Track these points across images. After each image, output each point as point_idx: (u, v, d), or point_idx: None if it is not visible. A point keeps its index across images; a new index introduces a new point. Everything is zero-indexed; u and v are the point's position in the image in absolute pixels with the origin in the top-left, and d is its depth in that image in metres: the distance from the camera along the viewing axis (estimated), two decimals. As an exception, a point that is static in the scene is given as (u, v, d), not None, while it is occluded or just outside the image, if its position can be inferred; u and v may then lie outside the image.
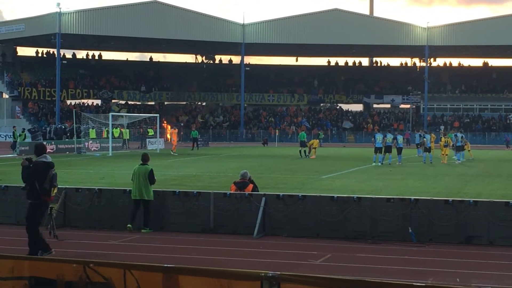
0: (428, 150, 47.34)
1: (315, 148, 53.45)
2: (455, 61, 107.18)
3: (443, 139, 49.29)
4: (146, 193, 18.60)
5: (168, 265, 6.99)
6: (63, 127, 72.96)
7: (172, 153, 56.31)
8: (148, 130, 69.37)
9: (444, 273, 14.16)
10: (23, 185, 15.56)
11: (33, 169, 14.65)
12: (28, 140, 66.30)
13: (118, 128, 65.72)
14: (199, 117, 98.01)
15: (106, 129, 61.62)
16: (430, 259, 15.38)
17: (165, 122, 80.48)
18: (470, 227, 17.08)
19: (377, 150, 45.36)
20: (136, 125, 69.38)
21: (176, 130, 63.08)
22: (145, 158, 19.39)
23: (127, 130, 65.66)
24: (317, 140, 55.11)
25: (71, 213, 19.29)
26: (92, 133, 64.17)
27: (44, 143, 15.83)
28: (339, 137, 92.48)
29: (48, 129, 70.95)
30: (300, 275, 6.55)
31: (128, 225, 18.26)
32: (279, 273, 6.62)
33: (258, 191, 19.49)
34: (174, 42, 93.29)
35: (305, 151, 53.28)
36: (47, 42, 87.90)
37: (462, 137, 50.99)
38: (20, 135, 56.08)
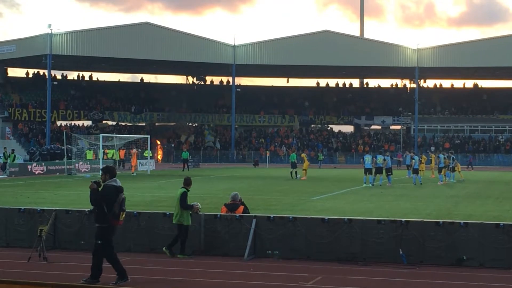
0: (416, 171, 47.44)
1: (305, 169, 53.42)
2: (445, 83, 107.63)
3: (445, 160, 49.36)
4: (179, 217, 18.08)
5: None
6: (53, 147, 72.88)
7: (132, 174, 56.64)
8: (146, 151, 69.47)
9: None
10: (90, 208, 15.23)
11: (103, 192, 14.40)
12: (19, 161, 66.10)
13: (112, 150, 65.66)
14: (182, 137, 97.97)
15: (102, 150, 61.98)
16: (421, 281, 15.35)
17: (158, 142, 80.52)
18: (461, 249, 17.07)
19: (367, 171, 45.42)
20: (127, 146, 69.27)
21: (136, 152, 63.16)
22: (184, 181, 18.89)
23: (113, 151, 65.61)
24: (308, 162, 54.98)
25: (61, 235, 19.17)
26: (89, 155, 64.30)
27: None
28: (330, 158, 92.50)
29: (39, 150, 70.88)
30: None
31: (164, 248, 17.98)
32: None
33: (249, 213, 19.47)
34: (165, 63, 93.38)
35: (296, 172, 53.23)
36: (38, 63, 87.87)
37: (453, 158, 51.17)
38: (9, 156, 55.87)
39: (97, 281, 14.39)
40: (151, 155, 71.82)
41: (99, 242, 14.48)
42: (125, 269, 14.67)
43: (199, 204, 18.55)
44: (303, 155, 57.56)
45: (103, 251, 14.47)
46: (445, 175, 48.62)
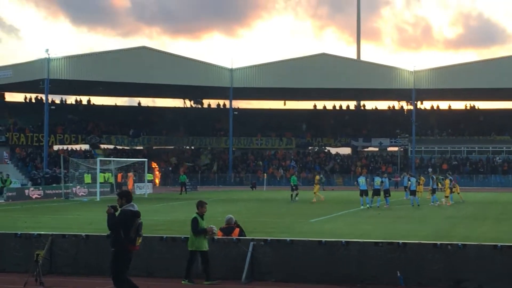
0: (413, 193, 47.46)
1: (315, 192, 53.20)
2: (442, 104, 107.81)
3: (446, 181, 49.46)
4: (194, 243, 17.75)
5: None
6: (52, 172, 73.14)
7: None
8: (148, 174, 69.62)
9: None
10: (107, 233, 15.07)
11: (120, 217, 14.34)
12: (16, 185, 66.06)
13: (107, 173, 65.75)
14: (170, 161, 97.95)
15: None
16: (419, 304, 15.30)
17: (154, 164, 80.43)
18: (458, 271, 17.01)
19: (363, 193, 45.46)
20: (125, 169, 69.33)
21: (132, 175, 63.20)
22: (196, 205, 18.50)
23: (109, 174, 65.71)
24: (318, 185, 54.66)
25: (57, 259, 19.09)
26: (88, 178, 64.36)
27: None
28: (327, 180, 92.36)
29: (41, 175, 71.31)
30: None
31: (183, 281, 17.64)
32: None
33: (245, 235, 19.44)
34: (162, 87, 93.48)
35: (296, 195, 52.87)
36: (35, 87, 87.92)
37: (451, 179, 51.23)
38: (6, 180, 55.83)
39: None
40: (152, 178, 72.04)
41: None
42: None
43: (214, 228, 18.06)
44: (317, 177, 56.92)
45: (115, 275, 14.36)
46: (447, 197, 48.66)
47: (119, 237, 14.23)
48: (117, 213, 14.43)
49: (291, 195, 53.17)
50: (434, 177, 51.75)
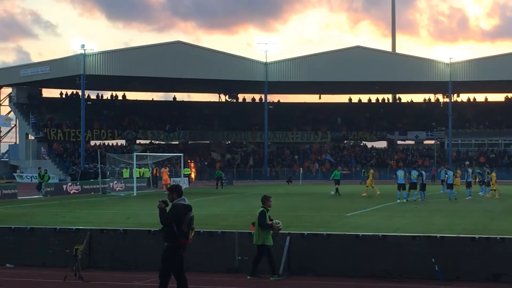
0: (450, 186, 47.09)
1: (367, 186, 52.62)
2: (478, 96, 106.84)
3: (493, 174, 48.97)
4: (260, 237, 17.61)
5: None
6: (90, 167, 73.81)
7: (164, 192, 56.87)
8: (185, 169, 70.03)
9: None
10: (159, 228, 15.03)
11: (172, 211, 14.35)
12: (54, 180, 66.73)
13: (144, 168, 66.09)
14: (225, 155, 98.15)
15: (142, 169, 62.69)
16: (457, 298, 15.22)
17: (191, 161, 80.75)
18: (497, 265, 16.88)
19: (400, 186, 45.19)
20: (162, 165, 69.62)
21: (167, 169, 63.36)
22: (261, 200, 18.25)
23: (146, 169, 66.06)
24: (372, 179, 53.82)
25: (96, 254, 19.25)
26: (126, 173, 64.81)
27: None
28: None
29: (81, 170, 72.15)
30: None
31: (248, 277, 17.55)
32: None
33: (279, 229, 19.42)
34: (197, 82, 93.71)
35: (337, 190, 52.03)
36: (72, 83, 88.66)
37: (488, 173, 50.80)
38: (44, 176, 56.39)
39: None
40: (189, 172, 72.33)
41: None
42: None
43: (280, 224, 17.94)
44: (371, 171, 56.28)
45: (165, 268, 14.42)
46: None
47: (172, 231, 14.26)
48: (168, 208, 14.46)
49: (336, 189, 51.93)
50: (470, 170, 51.33)
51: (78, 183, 59.71)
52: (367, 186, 52.71)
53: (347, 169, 71.22)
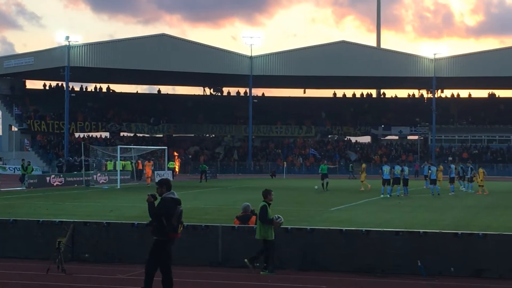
0: (434, 182, 47.27)
1: (362, 181, 52.26)
2: (462, 93, 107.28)
3: (481, 170, 49.26)
4: (263, 232, 17.54)
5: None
6: (75, 160, 73.56)
7: (146, 185, 56.88)
8: (170, 162, 69.95)
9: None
10: (147, 221, 15.00)
11: (161, 205, 14.28)
12: (37, 172, 66.47)
13: (127, 161, 65.97)
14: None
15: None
16: (439, 293, 15.29)
17: (176, 154, 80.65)
18: (479, 260, 16.98)
19: (385, 182, 45.33)
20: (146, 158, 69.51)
21: (151, 163, 63.27)
22: (263, 194, 18.26)
23: (129, 162, 65.94)
24: (365, 174, 53.45)
25: (79, 247, 19.21)
26: (109, 166, 64.63)
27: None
28: (347, 168, 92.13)
29: (66, 162, 71.79)
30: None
31: (246, 260, 17.53)
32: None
33: (261, 223, 19.44)
34: (182, 75, 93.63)
35: (327, 183, 51.50)
36: (56, 75, 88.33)
37: (471, 168, 51.11)
38: (27, 168, 56.16)
39: None
40: (173, 166, 72.21)
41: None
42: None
43: (281, 218, 17.87)
44: (363, 165, 55.98)
45: (161, 263, 14.39)
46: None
47: (161, 225, 14.24)
48: (156, 202, 14.43)
49: (322, 184, 51.54)
50: (453, 166, 51.60)
51: (61, 175, 59.50)
52: (362, 181, 52.21)
53: (331, 163, 71.11)
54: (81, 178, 59.04)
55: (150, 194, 14.43)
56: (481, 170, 49.46)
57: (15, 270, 17.94)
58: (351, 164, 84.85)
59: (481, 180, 48.40)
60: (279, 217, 17.78)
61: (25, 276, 17.08)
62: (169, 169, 68.51)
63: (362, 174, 53.35)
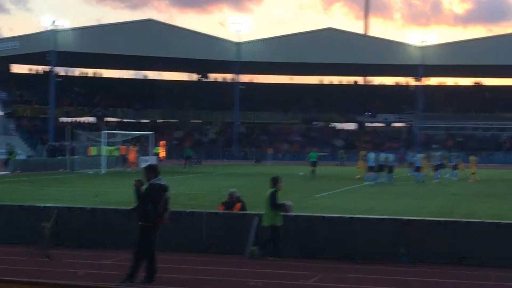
0: (418, 169, 47.46)
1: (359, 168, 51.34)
2: (449, 80, 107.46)
3: (472, 158, 49.57)
4: (268, 218, 17.57)
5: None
6: (55, 145, 73.39)
7: (129, 170, 56.83)
8: (155, 147, 69.90)
9: (436, 294, 14.16)
10: (132, 207, 15.07)
11: (148, 191, 14.31)
12: (21, 157, 66.22)
13: (112, 146, 65.78)
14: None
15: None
16: (421, 280, 15.39)
17: (161, 140, 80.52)
18: (462, 248, 17.09)
19: (370, 169, 45.46)
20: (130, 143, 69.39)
21: (136, 148, 63.18)
22: (272, 181, 18.25)
23: (114, 147, 65.75)
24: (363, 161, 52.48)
25: (63, 232, 19.17)
26: (93, 151, 64.40)
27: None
28: (332, 156, 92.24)
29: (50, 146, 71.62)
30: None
31: (270, 258, 17.26)
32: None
33: (246, 210, 19.51)
34: (169, 60, 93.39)
35: (312, 171, 51.11)
36: (42, 59, 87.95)
37: (456, 156, 51.48)
38: (12, 153, 55.99)
39: (133, 282, 14.12)
40: (158, 151, 72.15)
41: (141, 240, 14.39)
42: (155, 271, 14.58)
43: (290, 202, 17.94)
44: (363, 152, 54.86)
45: (143, 249, 14.38)
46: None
47: (148, 211, 14.26)
48: (143, 187, 14.45)
49: (312, 171, 51.25)
50: (438, 153, 51.87)
51: (45, 160, 59.35)
52: (359, 168, 51.79)
53: (318, 149, 70.42)
54: (65, 163, 58.89)
55: (137, 179, 14.46)
56: (472, 158, 49.83)
57: (-2, 255, 17.92)
58: (340, 151, 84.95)
59: (472, 168, 48.82)
60: (289, 202, 17.88)
61: (9, 261, 17.06)
62: (154, 154, 68.46)
63: (360, 161, 52.47)
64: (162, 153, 77.25)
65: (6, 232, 19.55)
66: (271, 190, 17.88)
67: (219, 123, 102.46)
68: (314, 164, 51.91)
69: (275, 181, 18.17)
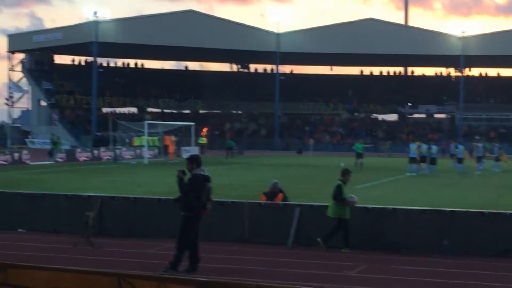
0: (460, 161, 47.02)
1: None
2: (490, 71, 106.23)
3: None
4: (336, 210, 17.59)
5: (202, 279, 7.01)
6: (102, 135, 74.01)
7: (170, 161, 56.97)
8: (200, 138, 70.34)
9: (480, 286, 14.08)
10: (175, 197, 15.24)
11: (192, 181, 14.44)
12: (66, 147, 66.92)
13: (155, 136, 66.19)
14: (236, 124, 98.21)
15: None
16: (465, 272, 15.30)
17: (203, 130, 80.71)
18: (507, 240, 16.93)
19: (412, 160, 45.19)
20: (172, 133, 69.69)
21: (173, 138, 63.34)
22: (341, 173, 18.44)
23: (156, 138, 66.12)
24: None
25: (107, 221, 19.39)
26: (137, 141, 64.81)
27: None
28: (374, 147, 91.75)
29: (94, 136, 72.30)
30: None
31: (343, 250, 17.36)
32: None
33: (288, 201, 19.54)
34: (209, 51, 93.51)
35: (361, 164, 48.72)
36: (84, 50, 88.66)
37: (499, 148, 50.91)
38: (56, 143, 56.60)
39: (176, 272, 14.25)
40: (204, 142, 72.47)
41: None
42: (199, 259, 14.75)
43: (354, 197, 17.92)
44: (418, 142, 50.10)
45: (181, 238, 14.52)
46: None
47: (191, 201, 14.34)
48: (186, 177, 14.53)
49: (356, 163, 48.49)
50: (480, 145, 51.26)
51: (88, 150, 59.87)
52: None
53: (362, 141, 67.00)
54: (109, 153, 59.39)
55: (180, 169, 14.54)
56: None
57: (43, 243, 18.18)
58: (389, 142, 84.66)
59: None
60: (352, 197, 17.85)
61: (53, 249, 17.29)
62: (199, 145, 68.76)
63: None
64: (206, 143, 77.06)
65: (52, 221, 19.81)
66: (338, 182, 17.96)
67: (260, 114, 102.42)
68: (360, 155, 50.14)
69: (343, 173, 18.26)
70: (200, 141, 70.38)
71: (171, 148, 60.86)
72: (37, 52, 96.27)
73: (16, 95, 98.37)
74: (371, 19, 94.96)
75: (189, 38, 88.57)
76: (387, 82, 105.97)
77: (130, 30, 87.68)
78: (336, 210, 17.56)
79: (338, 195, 17.59)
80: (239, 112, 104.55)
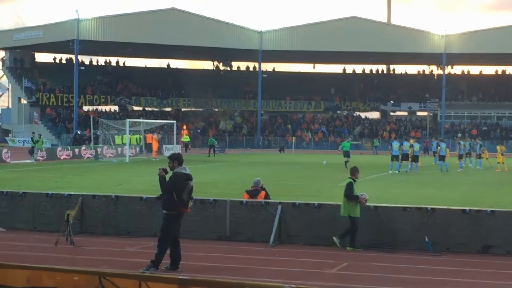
0: (442, 158, 47.18)
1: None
2: (473, 69, 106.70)
3: (498, 147, 49.29)
4: (347, 208, 17.58)
5: (184, 277, 6.96)
6: (80, 133, 73.71)
7: (152, 159, 56.82)
8: (184, 136, 70.29)
9: (460, 283, 14.11)
10: (157, 195, 15.23)
11: (173, 179, 14.42)
12: (46, 145, 66.62)
13: (136, 135, 66.04)
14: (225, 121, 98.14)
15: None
16: (446, 269, 15.33)
17: (184, 127, 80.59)
18: (487, 237, 17.00)
19: (394, 157, 45.30)
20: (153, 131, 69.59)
21: (155, 136, 63.26)
22: (350, 171, 18.54)
23: (138, 136, 66.00)
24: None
25: (87, 219, 19.32)
26: (118, 139, 64.65)
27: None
28: (355, 145, 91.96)
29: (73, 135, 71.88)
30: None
31: (334, 238, 17.43)
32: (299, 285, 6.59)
33: (270, 198, 19.52)
34: (191, 49, 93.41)
35: (345, 162, 47.05)
36: (65, 48, 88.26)
37: (480, 145, 51.08)
38: (37, 141, 56.34)
39: (157, 270, 14.27)
40: (188, 140, 72.43)
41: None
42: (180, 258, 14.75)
43: (365, 195, 17.91)
44: (412, 141, 50.14)
45: (169, 236, 14.48)
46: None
47: (172, 200, 14.31)
48: (167, 176, 14.50)
49: (345, 162, 46.97)
50: (462, 142, 51.47)
51: (69, 148, 59.65)
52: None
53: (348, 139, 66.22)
54: (89, 152, 59.19)
55: (161, 168, 14.52)
56: (500, 147, 49.50)
57: (24, 242, 18.07)
58: (375, 139, 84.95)
59: (498, 157, 48.46)
60: (363, 194, 17.87)
61: (34, 248, 17.20)
62: (183, 143, 68.68)
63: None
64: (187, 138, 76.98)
65: (32, 220, 19.71)
66: (348, 180, 17.99)
67: (242, 112, 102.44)
68: (347, 154, 48.99)
69: (352, 171, 18.37)
70: (184, 139, 70.27)
71: (155, 146, 60.69)
72: (18, 50, 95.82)
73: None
74: (354, 17, 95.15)
75: (171, 36, 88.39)
76: (369, 80, 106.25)
77: (111, 28, 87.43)
78: (348, 208, 17.56)
79: (347, 192, 17.66)
80: (221, 109, 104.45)
